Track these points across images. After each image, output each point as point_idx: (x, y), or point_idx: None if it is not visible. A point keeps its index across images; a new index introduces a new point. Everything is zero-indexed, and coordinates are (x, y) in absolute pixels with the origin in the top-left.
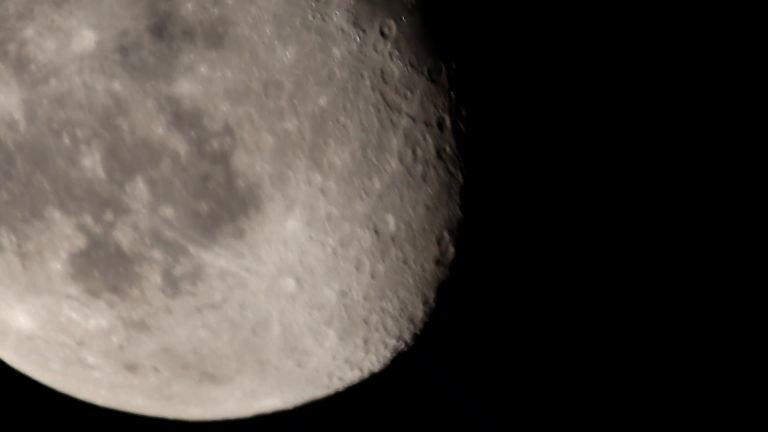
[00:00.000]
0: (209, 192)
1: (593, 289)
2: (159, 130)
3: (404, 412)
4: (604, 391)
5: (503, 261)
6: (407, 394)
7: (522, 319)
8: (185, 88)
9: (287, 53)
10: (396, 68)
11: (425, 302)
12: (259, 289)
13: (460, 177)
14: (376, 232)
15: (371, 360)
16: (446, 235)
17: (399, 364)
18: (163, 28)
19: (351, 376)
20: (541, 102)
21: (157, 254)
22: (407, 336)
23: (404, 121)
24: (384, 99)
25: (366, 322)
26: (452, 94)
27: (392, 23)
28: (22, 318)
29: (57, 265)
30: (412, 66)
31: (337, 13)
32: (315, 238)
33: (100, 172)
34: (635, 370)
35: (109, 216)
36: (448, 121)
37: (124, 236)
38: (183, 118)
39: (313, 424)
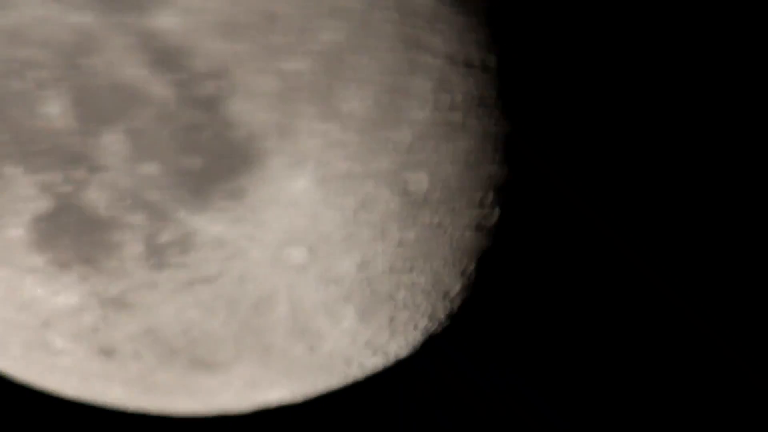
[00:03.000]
0: (201, 145)
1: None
2: (139, 71)
3: (433, 404)
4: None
5: (557, 226)
6: (437, 384)
7: (574, 295)
8: (170, 21)
9: None
10: None
11: (463, 274)
12: (263, 259)
13: (507, 126)
14: (405, 192)
15: (398, 343)
16: (490, 195)
17: (430, 348)
18: None
19: (373, 362)
20: (599, 35)
21: (138, 219)
22: (441, 314)
23: (439, 62)
24: (413, 35)
25: (392, 298)
26: (496, 28)
27: None
28: None
29: (18, 232)
30: None
31: None
32: (330, 199)
33: (69, 122)
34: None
35: (80, 174)
36: (492, 61)
37: (98, 197)
38: (167, 57)
39: (327, 418)
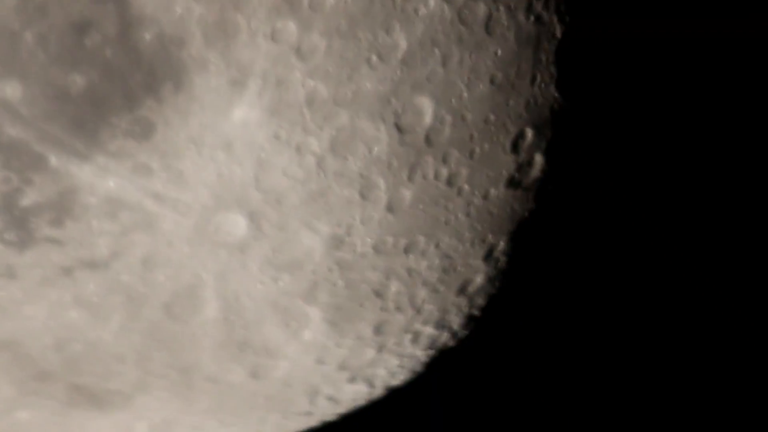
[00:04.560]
0: (88, 54)
1: None
2: None
3: None
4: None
5: (625, 180)
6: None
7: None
8: None
9: None
10: None
11: (489, 257)
12: (180, 233)
13: (557, 26)
14: (398, 128)
15: (388, 365)
16: (529, 133)
17: (440, 371)
18: None
19: (352, 394)
20: None
21: None
22: (455, 319)
23: None
24: None
25: (379, 294)
26: None
27: None
28: None
29: None
30: None
31: None
32: (286, 138)
33: None
34: None
35: None
36: None
37: None
38: None
39: None
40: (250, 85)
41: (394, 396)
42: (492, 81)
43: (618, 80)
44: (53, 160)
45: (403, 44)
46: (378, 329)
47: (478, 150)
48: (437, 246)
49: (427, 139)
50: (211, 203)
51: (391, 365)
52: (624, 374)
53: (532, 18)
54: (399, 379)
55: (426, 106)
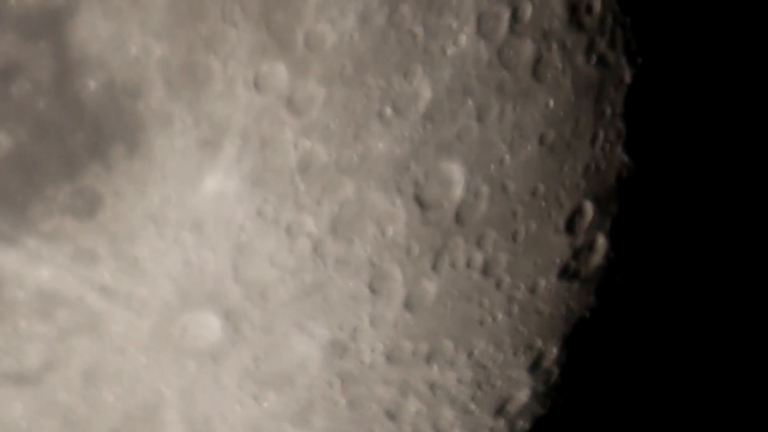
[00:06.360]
0: (15, 106)
1: None
2: None
3: None
4: None
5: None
6: None
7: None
8: None
9: None
10: None
11: (536, 367)
12: (134, 337)
13: (626, 69)
14: (420, 202)
15: None
16: (589, 208)
17: None
18: None
19: None
20: None
21: None
22: None
23: None
24: None
25: (392, 416)
26: None
27: None
28: None
29: None
30: None
31: None
32: (273, 216)
33: None
34: None
35: None
36: None
37: None
38: None
39: None
40: (226, 147)
41: None
42: (542, 141)
43: (702, 136)
44: None
45: (426, 93)
46: None
47: (522, 230)
48: (469, 354)
49: (458, 217)
50: (175, 300)
51: None
52: None
53: (593, 59)
54: None
55: (455, 173)
